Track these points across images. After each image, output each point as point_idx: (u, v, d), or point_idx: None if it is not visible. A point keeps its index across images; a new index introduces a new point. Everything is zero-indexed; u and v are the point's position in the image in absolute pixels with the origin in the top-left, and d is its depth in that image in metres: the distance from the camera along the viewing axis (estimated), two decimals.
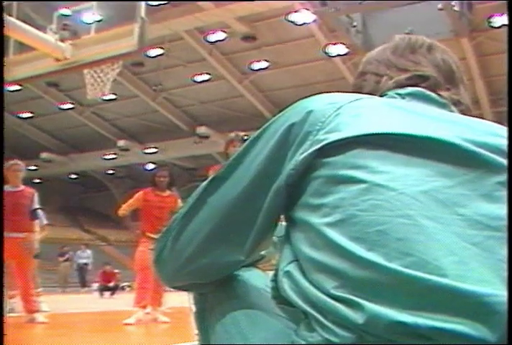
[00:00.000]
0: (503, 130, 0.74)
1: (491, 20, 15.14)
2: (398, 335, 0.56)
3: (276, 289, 0.70)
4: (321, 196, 0.67)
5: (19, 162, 5.77)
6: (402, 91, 0.84)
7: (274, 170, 0.73)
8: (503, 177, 0.65)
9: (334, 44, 17.60)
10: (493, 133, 0.72)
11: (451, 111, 0.82)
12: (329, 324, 0.60)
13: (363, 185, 0.64)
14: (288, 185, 0.71)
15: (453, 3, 13.65)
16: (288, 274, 0.67)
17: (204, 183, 0.81)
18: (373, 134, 0.68)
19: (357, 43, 14.91)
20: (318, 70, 20.35)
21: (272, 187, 0.73)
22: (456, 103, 0.85)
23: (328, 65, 19.63)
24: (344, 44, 17.21)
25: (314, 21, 16.72)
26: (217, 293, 0.86)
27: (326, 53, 18.36)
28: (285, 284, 0.67)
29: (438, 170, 0.65)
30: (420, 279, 0.57)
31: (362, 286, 0.59)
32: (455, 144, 0.67)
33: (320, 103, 0.75)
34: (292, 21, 16.94)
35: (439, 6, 13.67)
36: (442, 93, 0.84)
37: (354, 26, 14.85)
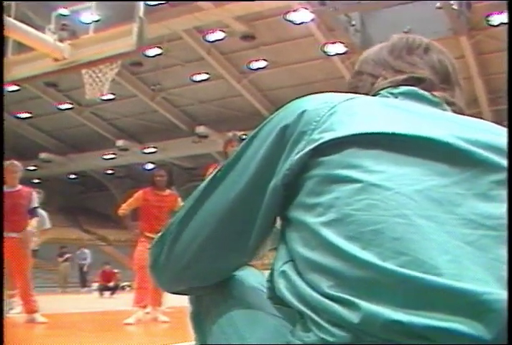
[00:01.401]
0: (496, 127, 0.75)
1: (489, 18, 15.16)
2: (395, 334, 0.55)
3: (272, 289, 0.70)
4: (315, 196, 0.67)
5: (16, 162, 5.76)
6: (395, 90, 0.84)
7: (269, 171, 0.73)
8: (498, 176, 0.65)
9: (333, 43, 17.62)
10: (486, 130, 0.73)
11: (444, 110, 0.82)
12: (325, 324, 0.60)
13: (358, 185, 0.64)
14: (284, 185, 0.71)
15: (451, 1, 13.66)
16: (283, 274, 0.67)
17: (201, 186, 0.80)
18: (368, 133, 0.68)
19: (356, 42, 14.93)
20: (316, 69, 20.35)
21: (268, 187, 0.73)
22: (450, 103, 0.85)
23: (326, 64, 19.64)
24: (342, 43, 17.23)
25: (313, 20, 16.72)
26: (213, 294, 0.86)
27: (324, 52, 18.37)
28: (281, 285, 0.67)
29: (433, 169, 0.65)
30: (415, 278, 0.56)
31: (357, 285, 0.59)
32: (449, 143, 0.67)
33: (314, 103, 0.75)
34: (290, 21, 16.93)
35: (438, 4, 13.68)
36: (437, 93, 0.85)
37: (353, 25, 14.86)
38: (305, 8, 15.64)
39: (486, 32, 16.54)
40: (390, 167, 0.65)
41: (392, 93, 0.84)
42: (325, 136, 0.69)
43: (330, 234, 0.63)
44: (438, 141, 0.67)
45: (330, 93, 0.78)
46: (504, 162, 0.66)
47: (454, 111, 0.84)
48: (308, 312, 0.62)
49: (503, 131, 0.74)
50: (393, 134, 0.68)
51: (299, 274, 0.65)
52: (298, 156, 0.70)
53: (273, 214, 0.75)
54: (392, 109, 0.74)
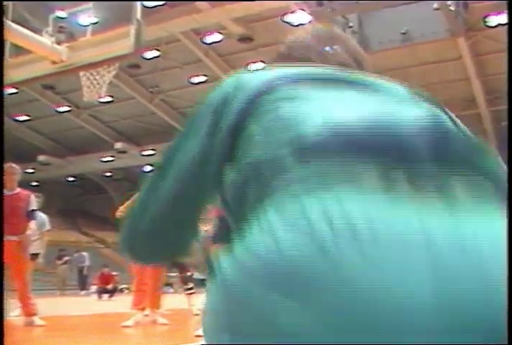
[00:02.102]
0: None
1: (487, 19, 15.18)
2: None
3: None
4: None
5: (14, 165, 5.76)
6: None
7: (217, 127, 0.80)
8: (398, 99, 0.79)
9: None
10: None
11: None
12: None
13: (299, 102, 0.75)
14: (231, 133, 0.78)
15: (449, 2, 13.69)
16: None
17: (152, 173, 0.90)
18: (294, 74, 0.81)
19: None
20: None
21: (217, 142, 0.80)
22: None
23: None
24: None
25: (310, 22, 16.73)
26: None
27: None
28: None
29: (352, 93, 0.78)
30: None
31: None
32: (361, 80, 0.82)
33: (241, 76, 0.84)
34: (288, 22, 16.95)
35: (435, 5, 13.71)
36: None
37: (350, 27, 14.87)
38: (303, 10, 15.65)
39: (483, 33, 16.57)
40: (319, 92, 0.77)
41: None
42: (256, 90, 0.78)
43: None
44: (351, 80, 0.82)
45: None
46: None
47: None
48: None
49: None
50: (319, 74, 0.83)
51: None
52: (236, 110, 0.77)
53: (224, 160, 0.79)
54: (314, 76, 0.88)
